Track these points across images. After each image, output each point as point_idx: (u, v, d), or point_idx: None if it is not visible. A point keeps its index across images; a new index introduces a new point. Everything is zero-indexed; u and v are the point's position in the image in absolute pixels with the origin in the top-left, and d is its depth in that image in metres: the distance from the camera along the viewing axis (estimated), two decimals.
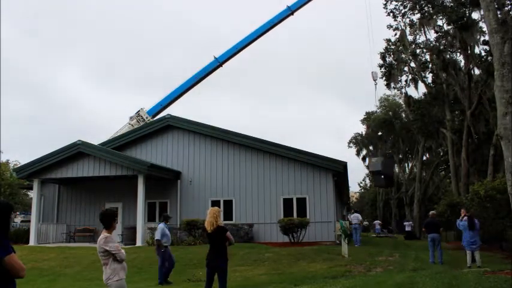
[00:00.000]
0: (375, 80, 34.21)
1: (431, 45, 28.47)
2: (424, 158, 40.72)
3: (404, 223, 34.12)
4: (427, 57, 30.10)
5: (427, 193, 42.44)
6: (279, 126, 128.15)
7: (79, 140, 19.63)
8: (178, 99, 32.82)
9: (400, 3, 27.53)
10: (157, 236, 10.92)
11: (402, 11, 27.74)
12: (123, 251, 5.08)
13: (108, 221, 5.12)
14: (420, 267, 12.13)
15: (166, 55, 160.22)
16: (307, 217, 19.08)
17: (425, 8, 26.65)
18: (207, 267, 6.93)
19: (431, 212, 14.88)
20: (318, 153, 20.04)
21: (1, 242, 3.06)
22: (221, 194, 20.82)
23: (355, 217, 20.20)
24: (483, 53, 25.75)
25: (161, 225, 11.09)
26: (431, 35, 30.13)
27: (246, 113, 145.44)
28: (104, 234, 5.02)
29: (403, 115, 42.08)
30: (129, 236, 19.31)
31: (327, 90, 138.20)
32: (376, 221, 41.16)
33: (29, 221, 22.25)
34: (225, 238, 6.80)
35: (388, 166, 32.01)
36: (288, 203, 20.01)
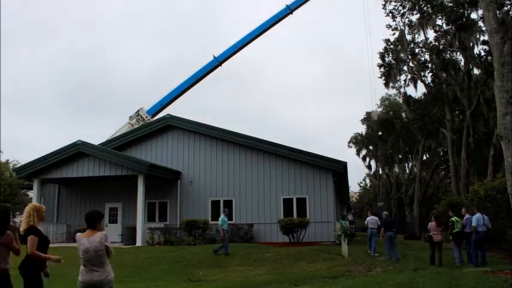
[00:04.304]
0: (373, 119, 36.67)
1: (431, 45, 28.49)
2: (424, 158, 40.68)
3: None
4: (427, 57, 30.13)
5: (427, 193, 42.38)
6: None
7: (79, 140, 19.66)
8: (178, 99, 32.95)
9: (399, 3, 27.58)
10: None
11: (401, 12, 27.81)
12: None
13: (92, 221, 4.86)
14: (420, 267, 12.13)
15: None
16: (307, 217, 19.11)
17: (424, 8, 26.68)
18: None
19: (384, 213, 16.29)
20: (318, 153, 20.13)
21: None
22: (221, 194, 20.83)
23: (372, 220, 16.02)
24: (483, 53, 25.79)
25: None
26: (431, 35, 30.20)
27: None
28: (102, 232, 4.89)
29: (404, 115, 42.05)
30: (129, 236, 19.36)
31: (327, 89, 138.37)
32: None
33: None
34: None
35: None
36: (288, 203, 20.02)
